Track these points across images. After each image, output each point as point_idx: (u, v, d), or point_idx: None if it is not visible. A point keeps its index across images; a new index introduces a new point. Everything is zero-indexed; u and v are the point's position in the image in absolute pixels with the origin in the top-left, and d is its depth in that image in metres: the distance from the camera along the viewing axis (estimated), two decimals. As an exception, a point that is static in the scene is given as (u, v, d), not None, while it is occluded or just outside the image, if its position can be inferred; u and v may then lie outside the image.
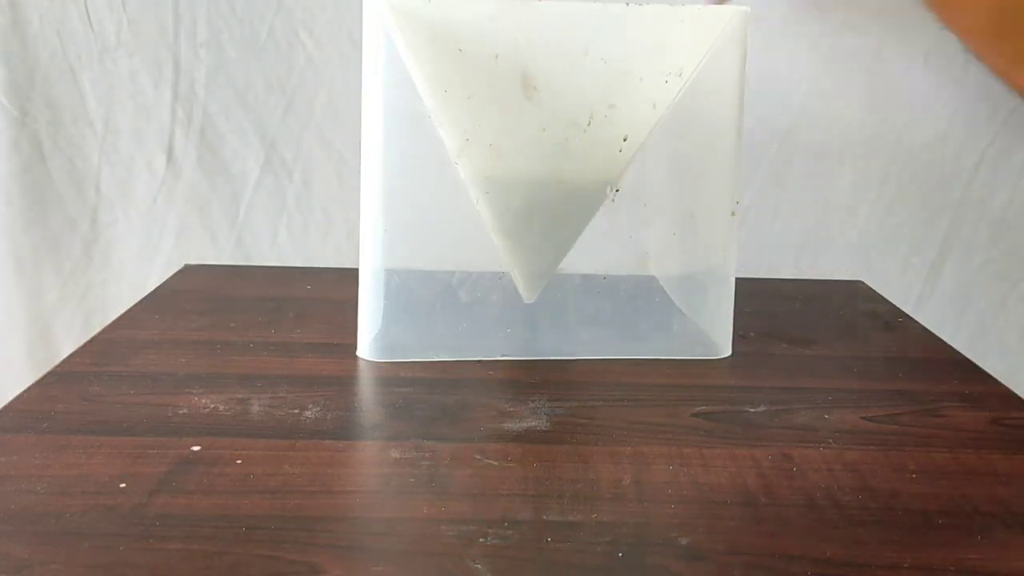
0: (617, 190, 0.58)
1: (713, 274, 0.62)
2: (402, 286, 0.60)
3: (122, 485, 0.43)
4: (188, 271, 0.81)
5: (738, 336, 0.65)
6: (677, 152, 0.61)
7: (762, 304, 0.73)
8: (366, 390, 0.56)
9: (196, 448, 0.47)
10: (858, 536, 0.41)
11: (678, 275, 0.65)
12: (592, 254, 0.61)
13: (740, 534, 0.41)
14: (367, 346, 0.60)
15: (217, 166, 0.90)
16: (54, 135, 0.90)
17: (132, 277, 0.92)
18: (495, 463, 0.47)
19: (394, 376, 0.58)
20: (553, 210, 0.59)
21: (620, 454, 0.48)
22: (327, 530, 0.40)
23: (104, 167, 0.90)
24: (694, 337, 0.63)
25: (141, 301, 0.71)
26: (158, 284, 0.77)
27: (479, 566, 0.38)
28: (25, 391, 0.54)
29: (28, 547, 0.38)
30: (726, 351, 0.63)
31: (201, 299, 0.72)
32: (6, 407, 0.52)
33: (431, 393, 0.55)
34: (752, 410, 0.54)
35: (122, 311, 0.69)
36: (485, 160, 0.56)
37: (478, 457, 0.47)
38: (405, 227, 0.59)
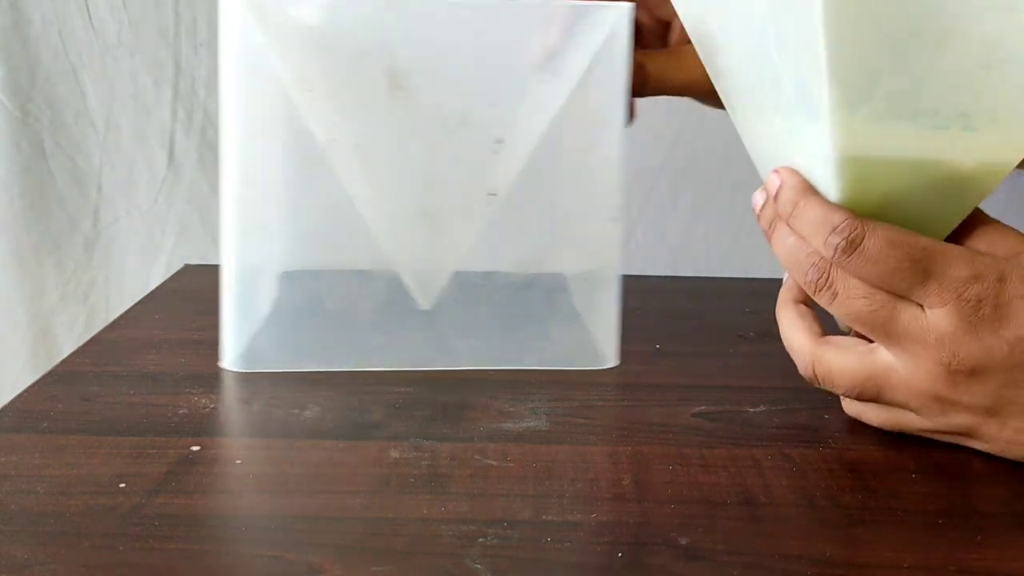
0: (494, 194, 0.56)
1: (598, 281, 0.59)
2: (267, 292, 0.57)
3: (122, 485, 0.43)
4: (188, 271, 0.81)
5: (738, 336, 0.65)
6: (556, 155, 0.58)
7: (762, 304, 0.73)
8: (365, 390, 0.56)
9: (196, 448, 0.47)
10: (858, 536, 0.41)
11: (564, 279, 0.62)
12: (474, 256, 0.58)
13: (740, 534, 0.41)
14: (232, 357, 0.57)
15: (218, 166, 0.90)
16: (55, 135, 0.90)
17: (134, 276, 0.93)
18: (495, 463, 0.47)
19: (394, 376, 0.58)
20: (430, 214, 0.56)
21: (620, 454, 0.48)
22: (327, 530, 0.40)
23: (105, 166, 0.90)
24: (576, 346, 0.60)
25: (141, 301, 0.71)
26: (159, 284, 0.77)
27: (479, 566, 0.38)
28: (25, 391, 0.54)
29: (28, 547, 0.38)
30: (611, 361, 0.60)
31: (201, 299, 0.72)
32: (6, 407, 0.52)
33: (431, 393, 0.55)
34: (752, 410, 0.54)
35: (124, 310, 0.69)
36: (354, 162, 0.54)
37: (478, 457, 0.47)
38: (276, 226, 0.56)
